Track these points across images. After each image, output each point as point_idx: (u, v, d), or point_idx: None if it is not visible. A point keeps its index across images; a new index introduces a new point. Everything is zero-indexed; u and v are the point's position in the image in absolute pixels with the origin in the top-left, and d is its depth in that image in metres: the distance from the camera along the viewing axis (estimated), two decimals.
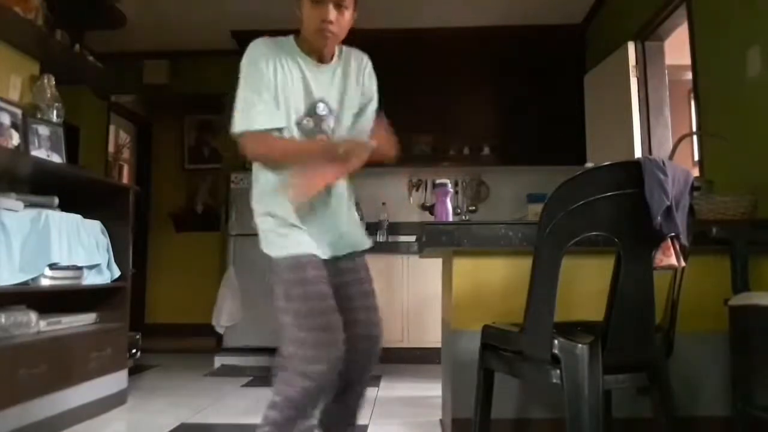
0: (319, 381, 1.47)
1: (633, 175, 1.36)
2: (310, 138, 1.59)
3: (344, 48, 1.69)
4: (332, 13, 1.50)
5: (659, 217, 1.33)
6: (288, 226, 1.57)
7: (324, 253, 1.60)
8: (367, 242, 1.74)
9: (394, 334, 4.17)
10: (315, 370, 1.45)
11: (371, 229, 4.69)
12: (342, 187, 1.68)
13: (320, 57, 1.61)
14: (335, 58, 1.66)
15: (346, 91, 1.66)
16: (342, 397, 1.68)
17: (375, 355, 1.70)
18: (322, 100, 1.61)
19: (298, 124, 1.58)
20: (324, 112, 1.61)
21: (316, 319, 1.48)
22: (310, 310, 1.49)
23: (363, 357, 1.65)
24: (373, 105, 1.74)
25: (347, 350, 1.54)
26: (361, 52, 1.73)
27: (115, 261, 2.83)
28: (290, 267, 1.52)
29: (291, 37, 1.63)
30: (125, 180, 5.63)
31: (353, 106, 1.68)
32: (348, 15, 1.55)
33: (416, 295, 4.16)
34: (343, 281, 1.65)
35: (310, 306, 1.49)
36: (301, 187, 1.48)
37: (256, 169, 1.64)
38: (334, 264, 1.64)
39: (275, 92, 1.55)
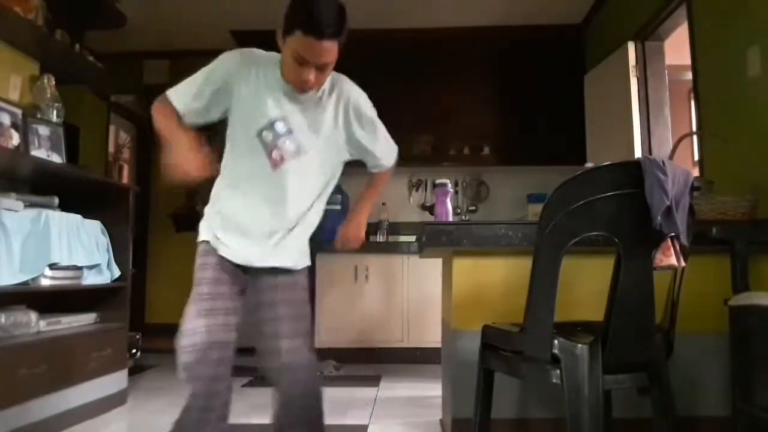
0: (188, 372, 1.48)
1: (633, 175, 1.36)
2: (267, 149, 1.55)
3: (333, 76, 1.60)
4: (312, 75, 1.45)
5: (659, 217, 1.33)
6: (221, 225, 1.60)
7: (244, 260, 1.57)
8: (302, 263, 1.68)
9: (394, 334, 4.17)
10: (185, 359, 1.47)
11: (371, 229, 4.70)
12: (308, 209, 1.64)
13: None
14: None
15: (316, 123, 1.59)
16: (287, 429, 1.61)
17: (302, 392, 1.59)
18: (282, 119, 1.55)
19: (259, 134, 1.54)
20: (281, 131, 1.55)
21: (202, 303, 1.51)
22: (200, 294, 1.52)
23: (287, 394, 1.59)
24: (376, 140, 1.70)
25: (275, 386, 1.57)
26: (350, 84, 1.64)
27: (115, 261, 2.83)
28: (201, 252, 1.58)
29: (279, 57, 1.56)
30: (125, 180, 5.62)
31: (327, 141, 1.61)
32: (330, 68, 1.50)
33: (416, 295, 4.16)
34: (266, 298, 1.61)
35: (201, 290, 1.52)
36: (169, 167, 1.48)
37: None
38: (254, 278, 1.61)
39: (217, 92, 1.56)
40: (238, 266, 1.57)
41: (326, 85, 1.59)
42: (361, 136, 1.65)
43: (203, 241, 1.60)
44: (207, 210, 1.66)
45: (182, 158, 1.46)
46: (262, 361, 1.62)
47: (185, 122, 1.59)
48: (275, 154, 1.55)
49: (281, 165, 1.55)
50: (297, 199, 1.59)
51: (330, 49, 1.42)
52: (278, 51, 1.55)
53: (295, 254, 1.63)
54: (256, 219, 1.57)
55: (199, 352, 1.47)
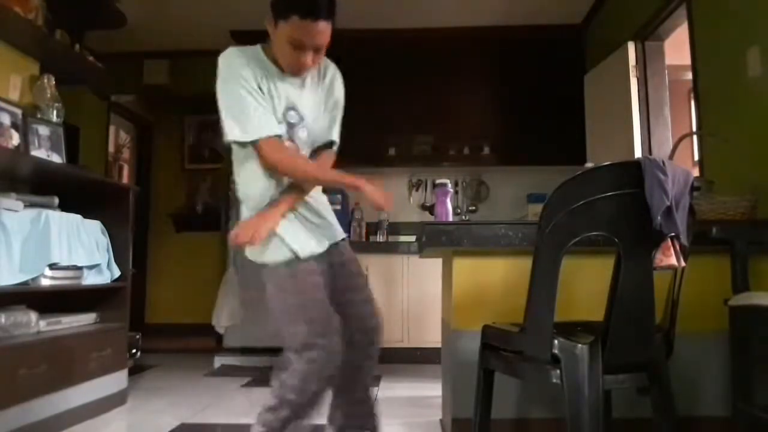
0: (316, 370, 1.48)
1: (633, 175, 1.36)
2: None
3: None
4: (310, 57, 1.49)
5: (659, 217, 1.33)
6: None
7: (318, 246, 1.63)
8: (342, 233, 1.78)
9: (394, 334, 4.17)
10: (311, 357, 1.47)
11: (371, 228, 4.70)
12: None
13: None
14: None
15: (317, 101, 1.65)
16: (350, 395, 1.70)
17: (375, 347, 1.73)
18: (293, 108, 1.58)
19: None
20: (294, 120, 1.58)
21: (308, 311, 1.51)
22: (303, 303, 1.52)
23: (360, 351, 1.67)
24: (337, 112, 1.74)
25: (346, 347, 1.57)
26: (335, 68, 1.71)
27: (115, 261, 2.83)
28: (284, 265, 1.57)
29: (258, 47, 1.59)
30: (125, 180, 5.63)
31: (323, 117, 1.68)
32: (325, 48, 1.52)
33: (416, 295, 4.16)
34: (335, 273, 1.68)
35: (302, 299, 1.53)
36: (250, 226, 1.50)
37: (250, 177, 1.62)
38: (324, 257, 1.66)
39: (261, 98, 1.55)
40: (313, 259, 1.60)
41: (319, 73, 1.65)
42: (332, 109, 1.71)
43: (281, 262, 1.56)
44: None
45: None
46: (345, 312, 1.64)
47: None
48: (289, 145, 1.57)
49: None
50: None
51: (325, 30, 1.46)
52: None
53: (335, 224, 1.74)
54: (300, 210, 1.62)
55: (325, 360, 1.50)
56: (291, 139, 1.57)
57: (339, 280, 1.68)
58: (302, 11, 1.41)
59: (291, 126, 1.57)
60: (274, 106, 1.56)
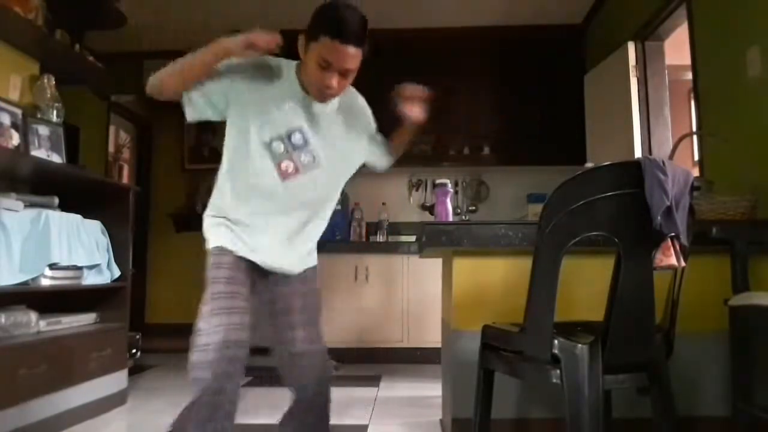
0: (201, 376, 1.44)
1: (633, 175, 1.36)
2: (275, 160, 1.54)
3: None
4: (335, 80, 1.48)
5: (659, 217, 1.33)
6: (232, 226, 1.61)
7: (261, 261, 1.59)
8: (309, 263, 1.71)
9: (394, 334, 4.17)
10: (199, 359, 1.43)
11: (371, 228, 4.70)
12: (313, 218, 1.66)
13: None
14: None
15: (332, 135, 1.62)
16: (301, 415, 1.66)
17: (317, 376, 1.64)
18: (300, 130, 1.56)
19: (268, 144, 1.54)
20: (299, 143, 1.56)
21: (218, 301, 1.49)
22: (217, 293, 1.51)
23: (302, 380, 1.63)
24: (377, 140, 1.80)
25: (290, 376, 1.60)
26: (355, 94, 1.72)
27: (115, 261, 2.83)
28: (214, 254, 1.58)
29: (295, 64, 1.59)
30: (125, 180, 5.62)
31: (342, 153, 1.65)
32: (352, 76, 1.53)
33: (416, 295, 4.16)
34: (280, 292, 1.64)
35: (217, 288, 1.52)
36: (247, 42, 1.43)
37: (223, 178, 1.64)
38: (265, 275, 1.63)
39: (224, 96, 1.53)
40: (251, 264, 1.58)
41: (346, 102, 1.65)
42: (372, 142, 1.77)
43: (216, 247, 1.59)
44: (211, 217, 1.65)
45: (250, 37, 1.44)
46: (277, 352, 1.64)
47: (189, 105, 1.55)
48: (285, 165, 1.55)
49: (294, 177, 1.56)
50: (306, 208, 1.62)
51: (354, 55, 1.46)
52: (281, 53, 1.55)
53: (304, 255, 1.67)
54: (265, 225, 1.58)
55: (214, 351, 1.43)
56: (290, 158, 1.55)
57: (282, 309, 1.65)
58: (333, 32, 1.42)
59: (294, 147, 1.56)
60: (277, 118, 1.55)
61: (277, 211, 1.58)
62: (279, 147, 1.54)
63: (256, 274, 1.60)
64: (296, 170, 1.56)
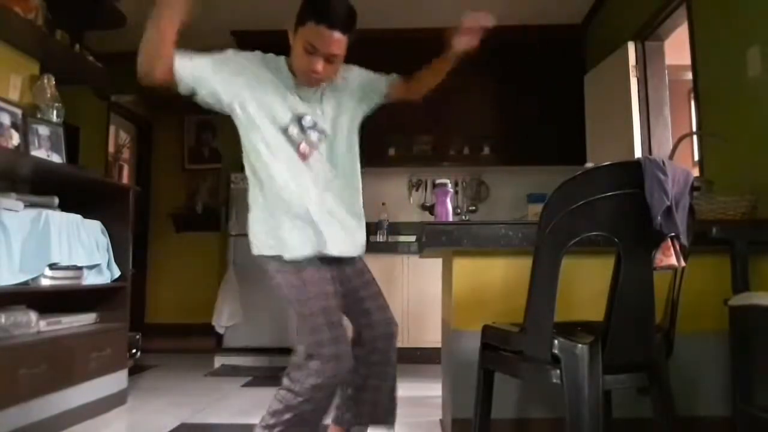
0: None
1: (633, 175, 1.36)
2: (294, 145, 1.62)
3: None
4: (320, 65, 1.54)
5: (659, 217, 1.33)
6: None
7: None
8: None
9: None
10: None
11: (371, 228, 4.70)
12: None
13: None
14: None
15: (337, 111, 1.71)
16: (369, 396, 1.77)
17: (394, 353, 1.80)
18: (307, 114, 1.64)
19: (285, 131, 1.61)
20: (309, 125, 1.64)
21: (313, 319, 1.54)
22: (308, 311, 1.56)
23: (382, 357, 1.74)
24: (373, 77, 1.83)
25: (366, 352, 1.68)
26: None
27: (115, 261, 2.83)
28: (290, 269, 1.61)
29: (282, 58, 1.67)
30: (125, 180, 5.62)
31: (349, 125, 1.74)
32: (338, 62, 1.59)
33: (416, 295, 4.16)
34: (351, 286, 1.73)
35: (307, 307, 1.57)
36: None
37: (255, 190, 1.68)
38: (339, 267, 1.70)
39: (229, 78, 1.57)
40: (320, 259, 1.63)
41: (339, 79, 1.71)
42: (368, 81, 1.80)
43: (275, 256, 1.61)
44: (259, 219, 1.66)
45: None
46: (361, 325, 1.74)
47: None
48: (303, 147, 1.63)
49: (311, 155, 1.63)
50: (337, 182, 1.68)
51: (339, 40, 1.51)
52: (281, 53, 1.64)
53: (357, 237, 1.73)
54: (311, 209, 1.62)
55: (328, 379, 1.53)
56: (305, 140, 1.63)
57: (353, 288, 1.73)
58: (318, 17, 1.48)
59: (304, 129, 1.63)
60: (277, 108, 1.61)
61: (314, 189, 1.63)
62: (294, 130, 1.62)
63: (328, 265, 1.66)
64: (310, 150, 1.63)
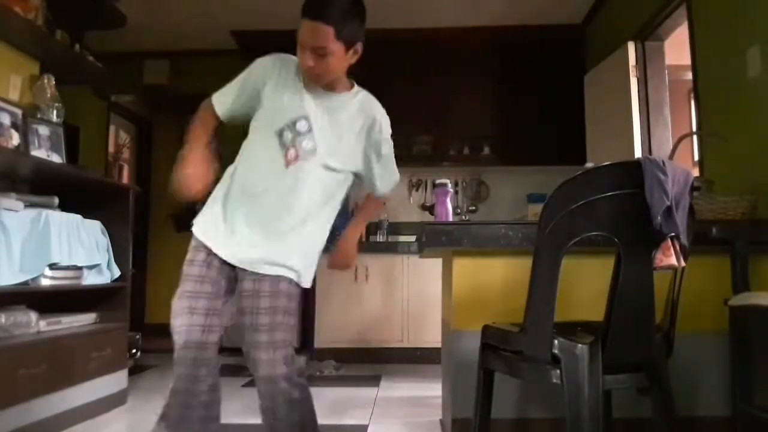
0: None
1: (633, 175, 1.36)
2: (284, 147, 1.57)
3: (362, 92, 1.68)
4: (310, 59, 1.50)
5: (659, 217, 1.33)
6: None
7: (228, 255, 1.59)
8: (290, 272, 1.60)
9: (394, 334, 4.17)
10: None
11: (371, 228, 4.70)
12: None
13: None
14: (344, 92, 1.65)
15: (339, 127, 1.62)
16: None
17: (281, 401, 1.56)
18: (305, 118, 1.58)
19: (280, 133, 1.57)
20: (303, 129, 1.57)
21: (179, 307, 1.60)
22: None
23: (267, 400, 1.59)
24: (381, 160, 1.72)
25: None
26: (379, 106, 1.69)
27: (115, 261, 2.83)
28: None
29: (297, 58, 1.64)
30: (125, 180, 5.62)
31: (347, 147, 1.64)
32: (333, 59, 1.51)
33: (416, 295, 4.16)
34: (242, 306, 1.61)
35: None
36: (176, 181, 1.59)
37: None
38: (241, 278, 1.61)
39: (250, 95, 1.63)
40: (225, 263, 1.59)
41: (357, 98, 1.66)
42: (374, 157, 1.70)
43: (193, 234, 1.64)
44: (211, 197, 1.66)
45: (187, 174, 1.57)
46: (246, 361, 1.64)
47: (227, 121, 1.67)
48: (291, 153, 1.57)
49: (294, 162, 1.57)
50: (305, 199, 1.60)
51: (322, 31, 1.46)
52: (281, 51, 1.63)
53: (293, 258, 1.59)
54: (257, 211, 1.58)
55: (179, 350, 1.57)
56: (293, 145, 1.57)
57: (240, 308, 1.61)
58: (304, 10, 1.47)
59: (298, 134, 1.58)
60: (284, 107, 1.59)
61: (275, 196, 1.58)
62: (288, 135, 1.58)
63: (232, 272, 1.62)
64: (296, 157, 1.58)
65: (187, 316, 1.57)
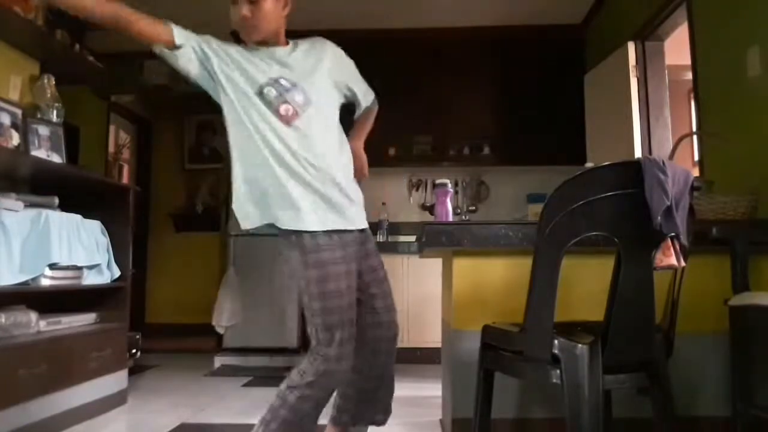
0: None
1: (633, 175, 1.36)
2: (272, 108, 1.57)
3: (300, 40, 1.73)
4: (245, 9, 1.55)
5: (659, 217, 1.33)
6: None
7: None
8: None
9: None
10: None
11: (371, 228, 4.70)
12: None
13: (265, 45, 1.66)
14: (288, 45, 1.70)
15: (309, 74, 1.66)
16: (368, 397, 1.76)
17: (393, 355, 1.79)
18: (282, 77, 1.61)
19: (260, 93, 1.58)
20: (287, 85, 1.60)
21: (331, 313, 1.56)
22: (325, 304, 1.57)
23: (384, 357, 1.75)
24: (357, 85, 1.80)
25: (369, 352, 1.69)
26: (320, 39, 1.75)
27: (115, 261, 2.83)
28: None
29: (241, 44, 1.69)
30: (125, 180, 5.62)
31: (325, 88, 1.69)
32: (267, 5, 1.57)
33: (416, 295, 4.16)
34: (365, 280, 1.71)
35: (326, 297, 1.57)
36: None
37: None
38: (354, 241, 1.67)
39: (205, 55, 1.62)
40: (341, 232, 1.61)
41: (301, 46, 1.70)
42: (347, 77, 1.77)
43: (307, 231, 1.55)
44: (248, 198, 1.61)
45: None
46: (366, 323, 1.69)
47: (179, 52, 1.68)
48: (284, 109, 1.57)
49: (296, 119, 1.58)
50: (329, 149, 1.63)
51: None
52: None
53: (361, 206, 1.71)
54: (314, 176, 1.57)
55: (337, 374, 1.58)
56: (286, 101, 1.58)
57: (365, 282, 1.70)
58: None
59: (286, 90, 1.59)
60: (257, 71, 1.60)
61: (305, 158, 1.57)
62: (271, 91, 1.58)
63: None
64: (295, 113, 1.58)
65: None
